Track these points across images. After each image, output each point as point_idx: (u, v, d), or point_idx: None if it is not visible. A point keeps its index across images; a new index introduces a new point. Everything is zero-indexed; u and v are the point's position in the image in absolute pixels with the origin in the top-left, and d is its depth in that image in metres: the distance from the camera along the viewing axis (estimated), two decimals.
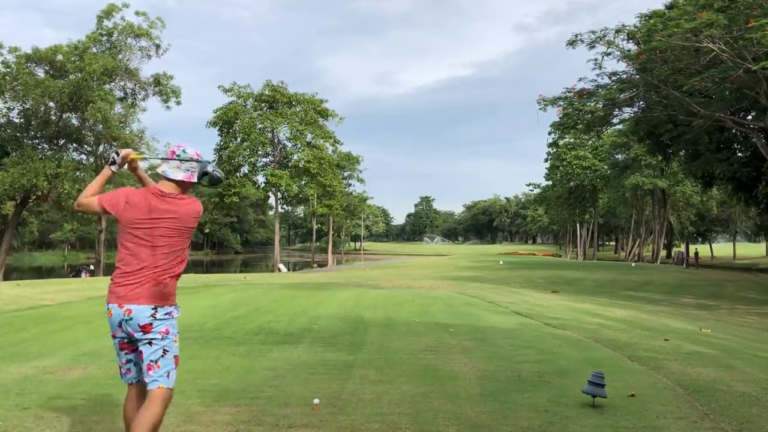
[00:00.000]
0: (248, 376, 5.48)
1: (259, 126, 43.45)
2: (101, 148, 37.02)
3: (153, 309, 3.04)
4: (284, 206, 67.66)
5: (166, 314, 3.09)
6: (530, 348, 7.07)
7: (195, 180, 3.22)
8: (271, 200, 49.81)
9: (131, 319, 3.01)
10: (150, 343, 3.04)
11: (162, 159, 3.24)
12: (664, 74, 19.58)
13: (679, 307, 16.25)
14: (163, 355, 3.05)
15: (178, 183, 3.18)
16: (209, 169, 3.25)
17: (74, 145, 35.09)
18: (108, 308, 3.08)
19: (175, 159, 3.18)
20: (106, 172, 3.23)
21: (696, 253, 41.92)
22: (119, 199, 3.11)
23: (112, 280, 3.13)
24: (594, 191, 63.31)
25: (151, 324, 3.03)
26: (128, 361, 3.17)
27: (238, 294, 14.52)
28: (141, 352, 3.06)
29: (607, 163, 60.05)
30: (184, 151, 3.20)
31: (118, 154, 3.24)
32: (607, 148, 57.91)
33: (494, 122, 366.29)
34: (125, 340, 3.12)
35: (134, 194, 3.14)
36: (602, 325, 9.57)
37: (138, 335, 3.04)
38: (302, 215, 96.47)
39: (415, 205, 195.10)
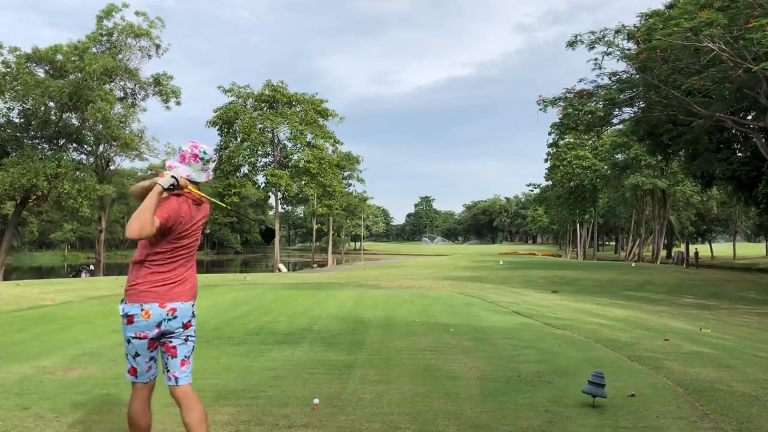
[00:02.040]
0: (248, 376, 5.48)
1: (259, 126, 43.46)
2: (101, 148, 37.03)
3: (193, 306, 3.14)
4: (284, 206, 67.67)
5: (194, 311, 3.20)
6: (530, 348, 7.07)
7: (211, 177, 3.29)
8: (271, 200, 49.81)
9: (176, 317, 3.03)
10: (186, 340, 3.11)
11: (200, 170, 3.20)
12: (664, 74, 19.57)
13: (679, 307, 16.25)
14: (191, 351, 3.16)
15: (198, 184, 3.22)
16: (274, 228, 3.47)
17: (74, 145, 35.06)
18: (143, 309, 2.98)
19: (198, 162, 3.17)
20: (158, 191, 2.97)
21: (696, 253, 41.90)
22: (176, 212, 3.02)
23: (139, 281, 3.03)
24: (594, 191, 63.29)
25: (191, 321, 3.12)
26: (151, 359, 3.14)
27: (238, 294, 14.53)
28: (174, 348, 3.07)
29: (607, 163, 60.04)
30: (205, 152, 3.18)
31: (177, 180, 3.06)
32: (607, 148, 57.89)
33: (494, 122, 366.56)
34: (154, 339, 3.08)
35: (180, 204, 3.07)
36: (602, 325, 9.57)
37: (179, 332, 3.07)
38: (302, 215, 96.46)
39: (415, 205, 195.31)
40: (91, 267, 39.93)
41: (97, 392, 4.84)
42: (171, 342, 3.08)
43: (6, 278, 31.18)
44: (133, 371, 3.13)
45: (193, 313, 3.14)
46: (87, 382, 5.21)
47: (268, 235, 3.80)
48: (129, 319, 3.01)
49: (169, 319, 3.02)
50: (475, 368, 5.85)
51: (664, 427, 4.07)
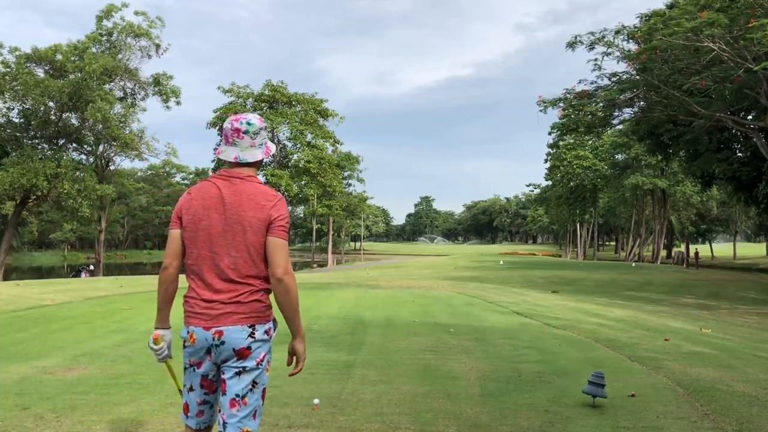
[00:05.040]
0: None
1: None
2: (101, 148, 37.03)
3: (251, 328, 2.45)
4: None
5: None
6: (530, 348, 7.06)
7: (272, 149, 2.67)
8: None
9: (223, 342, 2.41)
10: (239, 374, 2.42)
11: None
12: (664, 74, 19.57)
13: (679, 307, 16.24)
14: (252, 389, 2.44)
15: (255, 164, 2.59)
16: None
17: (74, 145, 35.04)
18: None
19: (244, 138, 2.53)
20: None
21: (696, 253, 41.89)
22: None
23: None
24: (594, 191, 63.28)
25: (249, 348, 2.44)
26: (205, 402, 2.51)
27: None
28: (224, 383, 2.42)
29: (607, 163, 60.03)
30: (249, 123, 2.55)
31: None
32: (607, 147, 57.89)
33: (494, 122, 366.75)
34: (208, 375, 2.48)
35: None
36: (602, 325, 9.56)
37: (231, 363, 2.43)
38: (302, 215, 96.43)
39: (415, 205, 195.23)
40: (91, 267, 39.92)
41: (97, 392, 4.83)
42: (223, 376, 2.46)
43: (6, 278, 31.17)
44: (187, 409, 2.55)
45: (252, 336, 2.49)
46: (87, 382, 5.21)
47: None
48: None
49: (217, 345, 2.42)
50: (475, 368, 5.85)
51: (664, 427, 4.06)
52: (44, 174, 28.72)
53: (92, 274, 36.21)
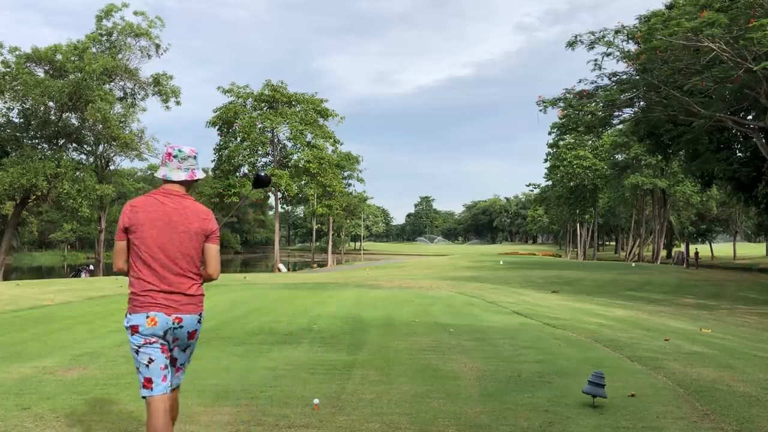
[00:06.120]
0: (248, 376, 5.47)
1: (259, 126, 43.41)
2: (101, 148, 37.04)
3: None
4: (284, 206, 67.71)
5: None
6: (530, 348, 7.06)
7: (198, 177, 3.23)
8: (271, 200, 49.80)
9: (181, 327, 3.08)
10: (186, 350, 3.21)
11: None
12: (664, 74, 19.57)
13: (679, 307, 16.24)
14: (189, 358, 3.29)
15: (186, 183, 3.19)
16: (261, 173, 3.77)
17: (74, 145, 35.07)
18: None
19: (173, 161, 3.15)
20: None
21: (696, 253, 41.90)
22: None
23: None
24: (594, 191, 63.29)
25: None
26: (166, 366, 3.04)
27: (238, 294, 14.52)
28: (174, 357, 3.16)
29: (607, 163, 60.05)
30: (180, 151, 3.16)
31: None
32: (607, 147, 57.91)
33: (494, 122, 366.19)
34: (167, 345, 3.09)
35: None
36: (602, 325, 9.56)
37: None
38: (302, 215, 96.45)
39: (415, 205, 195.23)
40: (91, 267, 39.92)
41: (97, 392, 4.83)
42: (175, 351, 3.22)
43: (6, 278, 31.19)
44: (150, 381, 3.04)
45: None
46: (87, 382, 5.21)
47: (260, 181, 3.78)
48: None
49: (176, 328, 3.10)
50: (475, 368, 5.85)
51: (664, 427, 4.07)
52: (44, 174, 28.73)
53: (92, 274, 36.21)
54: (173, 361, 3.12)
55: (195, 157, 3.20)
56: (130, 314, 3.00)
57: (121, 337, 7.87)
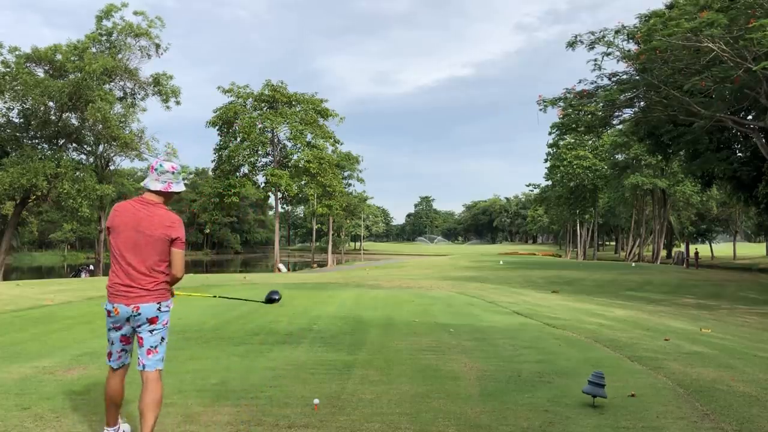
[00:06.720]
0: (248, 376, 5.47)
1: (259, 126, 43.38)
2: (101, 148, 37.03)
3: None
4: (284, 206, 67.67)
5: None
6: (530, 348, 7.06)
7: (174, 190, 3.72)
8: (271, 200, 49.78)
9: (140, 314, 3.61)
10: (152, 332, 3.65)
11: None
12: (664, 74, 19.57)
13: (679, 307, 16.24)
14: (161, 342, 3.67)
15: (158, 193, 3.69)
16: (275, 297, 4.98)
17: (74, 145, 35.06)
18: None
19: (153, 173, 3.68)
20: None
21: (696, 253, 41.91)
22: None
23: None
24: (594, 191, 63.29)
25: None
26: (123, 350, 3.71)
27: (238, 294, 14.50)
28: (141, 339, 3.61)
29: (607, 163, 60.06)
30: (161, 165, 3.67)
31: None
32: (607, 147, 57.92)
33: (494, 122, 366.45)
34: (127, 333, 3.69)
35: None
36: (602, 325, 9.56)
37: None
38: (302, 215, 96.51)
39: (415, 205, 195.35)
40: (91, 267, 39.95)
41: (97, 392, 4.83)
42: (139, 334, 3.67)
43: (6, 278, 31.19)
44: (110, 357, 3.76)
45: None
46: (87, 382, 5.21)
47: (271, 300, 4.99)
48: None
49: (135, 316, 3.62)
50: (475, 368, 5.85)
51: (664, 427, 4.07)
52: (44, 174, 28.72)
53: (92, 274, 36.22)
54: (142, 342, 3.61)
55: (173, 173, 3.68)
56: (106, 302, 3.65)
57: None
